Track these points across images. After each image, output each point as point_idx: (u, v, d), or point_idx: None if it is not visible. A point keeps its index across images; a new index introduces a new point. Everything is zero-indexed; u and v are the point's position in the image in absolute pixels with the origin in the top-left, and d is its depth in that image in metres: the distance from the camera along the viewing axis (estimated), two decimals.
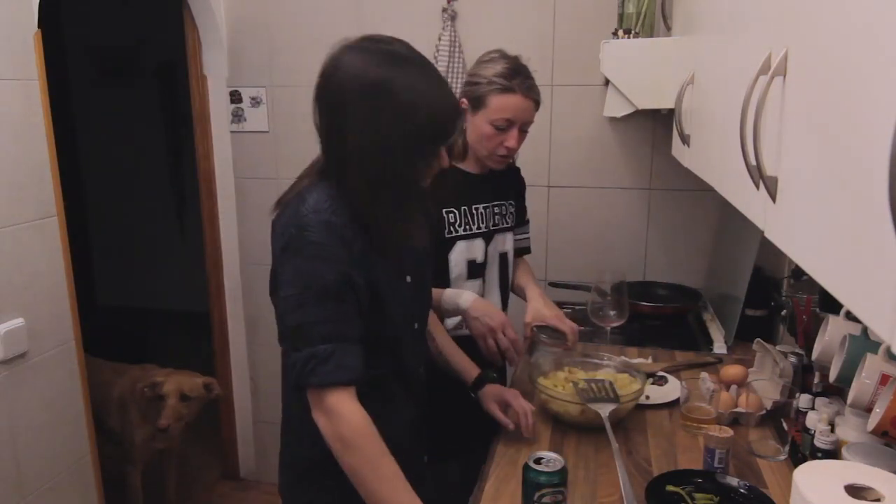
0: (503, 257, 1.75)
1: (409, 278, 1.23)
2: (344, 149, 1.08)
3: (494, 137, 1.57)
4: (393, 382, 1.22)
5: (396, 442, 1.11)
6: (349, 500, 1.10)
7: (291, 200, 1.13)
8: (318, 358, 1.06)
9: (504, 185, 1.76)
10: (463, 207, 1.65)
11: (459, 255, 1.64)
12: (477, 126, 1.58)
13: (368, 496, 1.07)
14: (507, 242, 1.76)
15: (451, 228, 1.63)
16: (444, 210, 1.61)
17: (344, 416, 1.07)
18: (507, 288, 1.79)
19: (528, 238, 1.91)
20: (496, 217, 1.72)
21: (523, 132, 1.60)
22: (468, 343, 1.55)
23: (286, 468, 1.30)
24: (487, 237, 1.69)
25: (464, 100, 1.58)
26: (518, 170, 1.86)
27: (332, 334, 1.07)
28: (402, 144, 1.07)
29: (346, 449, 1.07)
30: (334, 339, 1.07)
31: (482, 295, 1.68)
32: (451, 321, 1.63)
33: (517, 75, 1.54)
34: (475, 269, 1.67)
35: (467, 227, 1.65)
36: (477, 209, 1.67)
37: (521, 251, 1.87)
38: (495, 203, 1.72)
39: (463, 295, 1.55)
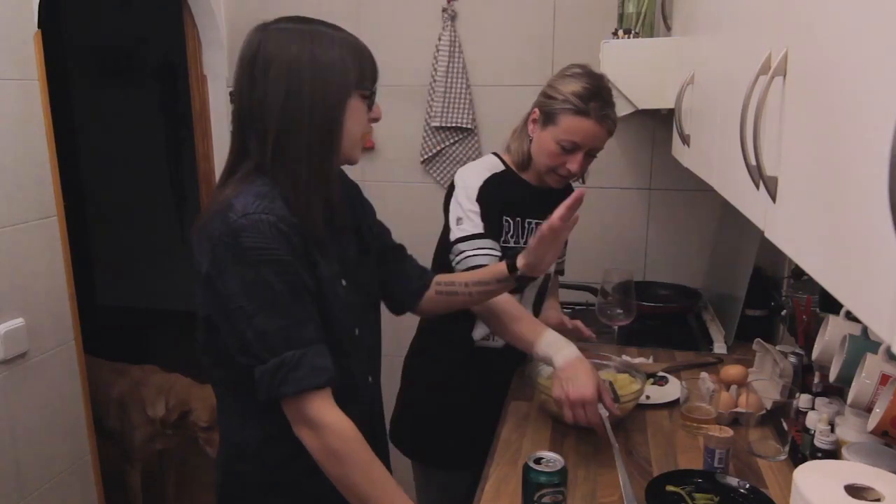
0: (545, 277, 1.70)
1: (343, 282, 1.15)
2: (265, 124, 1.05)
3: (557, 157, 1.51)
4: (337, 392, 1.07)
5: None
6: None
7: (219, 211, 1.03)
8: (288, 365, 1.00)
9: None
10: (518, 218, 1.59)
11: None
12: (543, 140, 1.52)
13: (359, 501, 1.05)
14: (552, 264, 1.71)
15: (504, 237, 1.57)
16: (503, 217, 1.56)
17: (331, 426, 1.02)
18: (541, 305, 1.75)
19: (564, 259, 1.87)
20: None
21: (590, 157, 1.54)
22: (491, 355, 1.53)
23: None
24: None
25: (535, 110, 1.54)
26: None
27: (295, 339, 1.01)
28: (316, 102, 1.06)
29: (336, 460, 1.03)
30: (298, 343, 1.01)
31: None
32: (479, 332, 1.61)
33: (595, 99, 1.47)
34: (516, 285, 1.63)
35: (517, 239, 1.59)
36: (530, 223, 1.61)
37: (558, 272, 1.84)
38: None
39: (561, 351, 1.36)
